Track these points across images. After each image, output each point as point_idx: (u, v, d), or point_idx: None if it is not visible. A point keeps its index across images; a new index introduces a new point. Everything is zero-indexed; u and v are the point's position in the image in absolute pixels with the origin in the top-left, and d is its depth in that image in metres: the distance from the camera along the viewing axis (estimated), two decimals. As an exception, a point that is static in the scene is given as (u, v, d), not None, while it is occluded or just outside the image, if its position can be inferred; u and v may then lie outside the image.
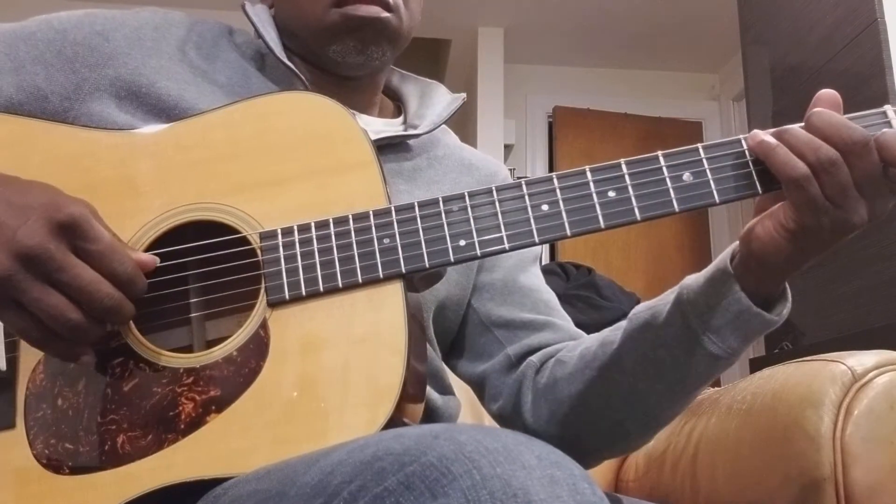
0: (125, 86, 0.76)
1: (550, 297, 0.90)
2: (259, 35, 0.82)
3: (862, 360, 0.82)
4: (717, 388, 1.12)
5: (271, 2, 0.88)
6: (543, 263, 2.90)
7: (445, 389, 0.87)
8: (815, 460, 0.78)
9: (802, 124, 0.61)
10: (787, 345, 2.29)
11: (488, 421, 0.92)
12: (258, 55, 0.85)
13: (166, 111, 0.74)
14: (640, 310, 0.73)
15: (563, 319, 0.89)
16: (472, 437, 0.43)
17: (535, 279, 0.91)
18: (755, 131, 0.63)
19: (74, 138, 0.70)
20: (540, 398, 0.80)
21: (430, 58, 4.58)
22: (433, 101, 0.90)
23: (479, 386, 0.88)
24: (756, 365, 2.33)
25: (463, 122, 4.29)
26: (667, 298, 0.71)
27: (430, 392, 0.82)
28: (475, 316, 0.88)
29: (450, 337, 0.88)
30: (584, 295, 2.26)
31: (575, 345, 0.81)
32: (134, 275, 0.59)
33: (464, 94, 0.91)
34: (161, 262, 0.64)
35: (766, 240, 0.62)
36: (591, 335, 0.80)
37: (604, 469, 1.38)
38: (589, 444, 0.80)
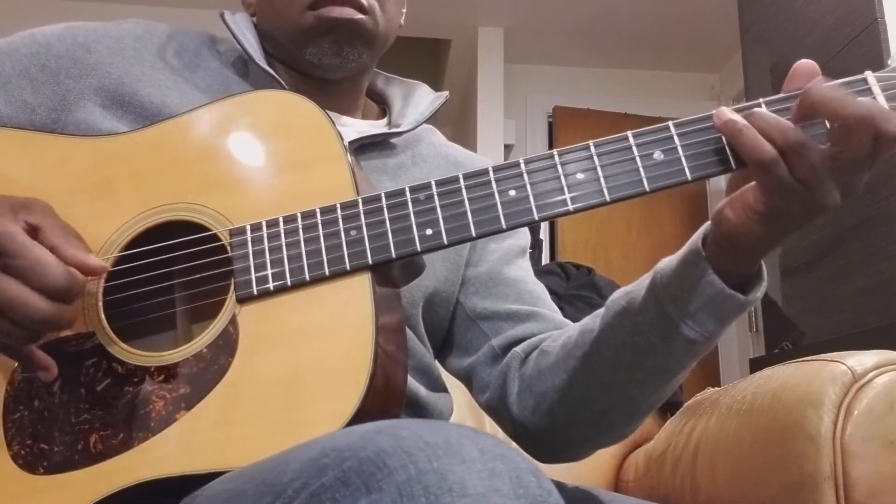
0: (108, 95, 0.77)
1: (536, 287, 0.90)
2: (238, 42, 0.82)
3: (862, 360, 0.82)
4: (717, 389, 1.12)
5: (253, 10, 0.88)
6: (544, 263, 2.91)
7: (437, 386, 0.87)
8: (815, 460, 0.78)
9: (775, 97, 0.59)
10: (787, 345, 2.29)
11: (488, 420, 0.92)
12: (240, 62, 0.86)
13: (150, 118, 0.75)
14: (618, 296, 0.72)
15: (550, 309, 0.88)
16: (413, 431, 0.43)
17: (520, 271, 0.90)
18: (721, 108, 0.60)
19: (56, 146, 0.71)
20: (525, 390, 0.80)
21: (430, 58, 4.58)
22: (416, 101, 0.91)
23: (467, 379, 0.88)
24: (756, 365, 2.33)
25: (463, 122, 4.29)
26: (642, 283, 0.70)
27: (419, 388, 0.82)
28: (461, 310, 0.88)
29: (440, 333, 0.89)
30: (584, 295, 2.26)
31: (559, 334, 0.81)
32: (65, 284, 0.58)
33: (446, 93, 0.91)
34: (135, 263, 0.65)
35: (735, 222, 0.61)
36: (575, 324, 0.80)
37: (604, 468, 1.38)
38: (575, 435, 0.79)
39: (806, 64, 0.60)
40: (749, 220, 0.60)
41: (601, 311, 0.74)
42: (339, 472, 0.42)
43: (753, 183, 0.60)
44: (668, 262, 0.68)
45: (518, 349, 0.83)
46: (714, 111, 0.61)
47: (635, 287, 0.71)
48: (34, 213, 0.61)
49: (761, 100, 0.61)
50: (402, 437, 0.43)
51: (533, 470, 0.43)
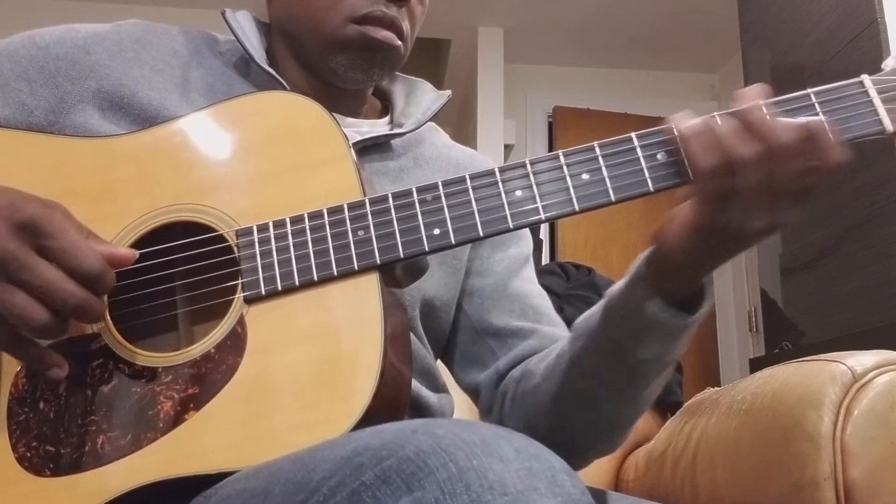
0: (107, 97, 0.77)
1: (539, 300, 0.90)
2: (239, 41, 0.82)
3: (862, 360, 0.82)
4: (717, 389, 1.12)
5: (256, 12, 0.88)
6: (543, 263, 2.90)
7: (438, 388, 0.87)
8: (815, 460, 0.78)
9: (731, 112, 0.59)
10: (787, 345, 2.29)
11: (487, 419, 0.92)
12: (242, 62, 0.85)
13: (149, 120, 0.75)
14: (580, 319, 0.74)
15: (550, 324, 0.88)
16: (449, 430, 0.43)
17: (524, 283, 0.91)
18: (679, 115, 0.61)
19: (56, 147, 0.71)
20: (515, 410, 0.81)
21: (430, 58, 4.58)
22: (419, 100, 0.91)
23: (474, 394, 0.89)
24: (756, 365, 2.33)
25: (463, 122, 4.29)
26: (600, 305, 0.71)
27: (422, 389, 0.82)
28: (468, 321, 0.88)
29: (443, 338, 0.89)
30: (584, 295, 2.25)
31: (545, 354, 0.82)
32: (100, 271, 0.58)
33: (449, 92, 0.91)
34: (141, 264, 0.64)
35: (672, 239, 0.62)
36: (559, 342, 0.81)
37: (604, 469, 1.38)
38: (562, 451, 0.80)
39: (754, 89, 0.60)
40: (686, 235, 0.61)
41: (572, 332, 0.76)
42: (378, 470, 0.42)
43: (693, 199, 0.61)
44: (619, 283, 0.69)
45: (515, 371, 0.84)
46: (673, 117, 0.61)
47: (595, 309, 0.72)
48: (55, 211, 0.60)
49: (716, 114, 0.62)
50: (440, 435, 0.43)
51: (566, 469, 0.43)
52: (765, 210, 0.58)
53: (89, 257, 0.58)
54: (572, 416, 0.75)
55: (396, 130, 0.85)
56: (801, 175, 0.57)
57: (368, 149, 0.84)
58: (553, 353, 0.79)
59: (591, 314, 0.73)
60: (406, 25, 0.82)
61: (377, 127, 0.88)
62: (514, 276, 0.90)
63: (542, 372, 0.78)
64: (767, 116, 0.57)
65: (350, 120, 0.86)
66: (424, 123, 0.87)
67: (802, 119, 0.58)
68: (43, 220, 0.57)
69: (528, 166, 0.63)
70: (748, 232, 0.59)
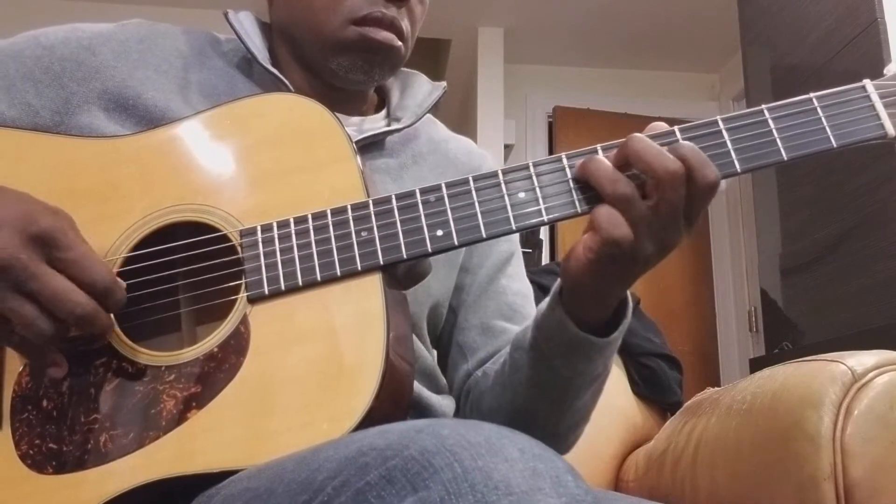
0: (113, 98, 0.77)
1: (516, 298, 0.91)
2: (242, 42, 0.82)
3: (862, 360, 0.82)
4: (717, 389, 1.12)
5: (255, 11, 0.88)
6: (544, 263, 2.90)
7: (440, 389, 0.87)
8: (815, 460, 0.78)
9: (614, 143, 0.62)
10: (787, 345, 2.29)
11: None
12: (245, 62, 0.86)
13: (154, 121, 0.75)
14: (521, 330, 0.76)
15: (521, 322, 0.89)
16: (454, 430, 0.44)
17: (507, 280, 0.91)
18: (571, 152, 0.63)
19: (60, 147, 0.71)
20: (474, 412, 0.84)
21: (430, 58, 4.58)
22: (414, 92, 0.91)
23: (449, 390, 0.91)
24: (756, 365, 2.33)
25: (463, 122, 4.29)
26: (532, 321, 0.74)
27: (423, 390, 0.82)
28: (453, 318, 0.89)
29: (436, 336, 0.90)
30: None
31: (497, 357, 0.84)
32: (111, 284, 0.59)
33: (444, 83, 0.91)
34: (145, 263, 0.65)
35: (573, 266, 0.63)
36: (507, 347, 0.82)
37: (604, 469, 1.38)
38: None
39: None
40: (584, 264, 0.62)
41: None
42: (383, 470, 0.42)
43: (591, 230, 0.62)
44: (543, 302, 0.71)
45: (479, 371, 0.86)
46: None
47: (531, 323, 0.74)
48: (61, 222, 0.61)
49: (598, 146, 0.63)
50: (444, 435, 0.43)
51: (570, 469, 0.44)
52: (650, 237, 0.60)
53: (100, 270, 0.59)
54: (517, 421, 0.77)
55: (394, 126, 0.85)
56: (685, 199, 0.59)
57: (369, 146, 0.84)
58: (500, 359, 0.81)
59: (524, 331, 0.75)
60: (406, 25, 0.82)
61: (374, 122, 0.89)
62: (499, 272, 0.91)
63: (493, 377, 0.81)
64: (651, 148, 0.59)
65: (349, 118, 0.87)
66: (421, 117, 0.88)
67: (687, 145, 0.60)
68: (57, 232, 0.58)
69: (531, 168, 0.63)
70: (635, 260, 0.61)
